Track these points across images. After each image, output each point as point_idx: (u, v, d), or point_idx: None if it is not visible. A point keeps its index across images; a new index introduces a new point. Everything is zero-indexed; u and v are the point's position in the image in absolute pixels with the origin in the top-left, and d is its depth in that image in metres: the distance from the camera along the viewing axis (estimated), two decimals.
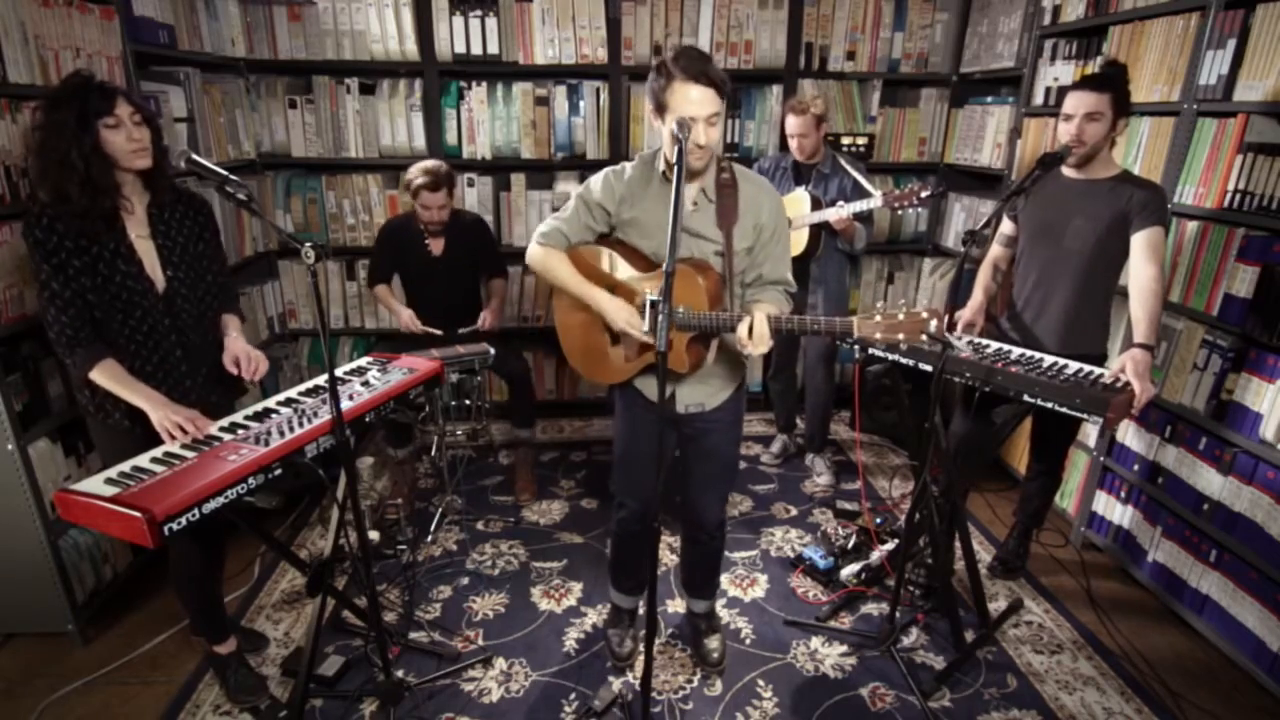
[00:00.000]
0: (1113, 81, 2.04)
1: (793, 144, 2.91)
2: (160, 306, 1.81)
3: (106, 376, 1.71)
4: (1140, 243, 2.03)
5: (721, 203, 1.77)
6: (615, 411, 2.06)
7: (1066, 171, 2.19)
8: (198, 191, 1.98)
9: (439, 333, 2.95)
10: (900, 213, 3.73)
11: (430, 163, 2.85)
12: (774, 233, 1.82)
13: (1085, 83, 2.06)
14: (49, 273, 1.67)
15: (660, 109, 1.65)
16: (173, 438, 1.64)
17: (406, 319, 2.95)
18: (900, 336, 1.59)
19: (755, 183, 1.83)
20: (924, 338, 1.59)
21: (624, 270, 1.85)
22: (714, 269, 1.78)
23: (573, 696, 2.06)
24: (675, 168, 1.48)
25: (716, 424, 1.94)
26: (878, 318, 1.61)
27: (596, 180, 1.85)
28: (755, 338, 1.63)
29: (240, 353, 1.86)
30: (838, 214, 2.75)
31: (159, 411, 1.67)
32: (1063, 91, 2.23)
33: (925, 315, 1.58)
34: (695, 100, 1.60)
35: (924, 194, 2.64)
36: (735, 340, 1.67)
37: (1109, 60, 2.41)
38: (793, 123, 2.85)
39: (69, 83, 1.66)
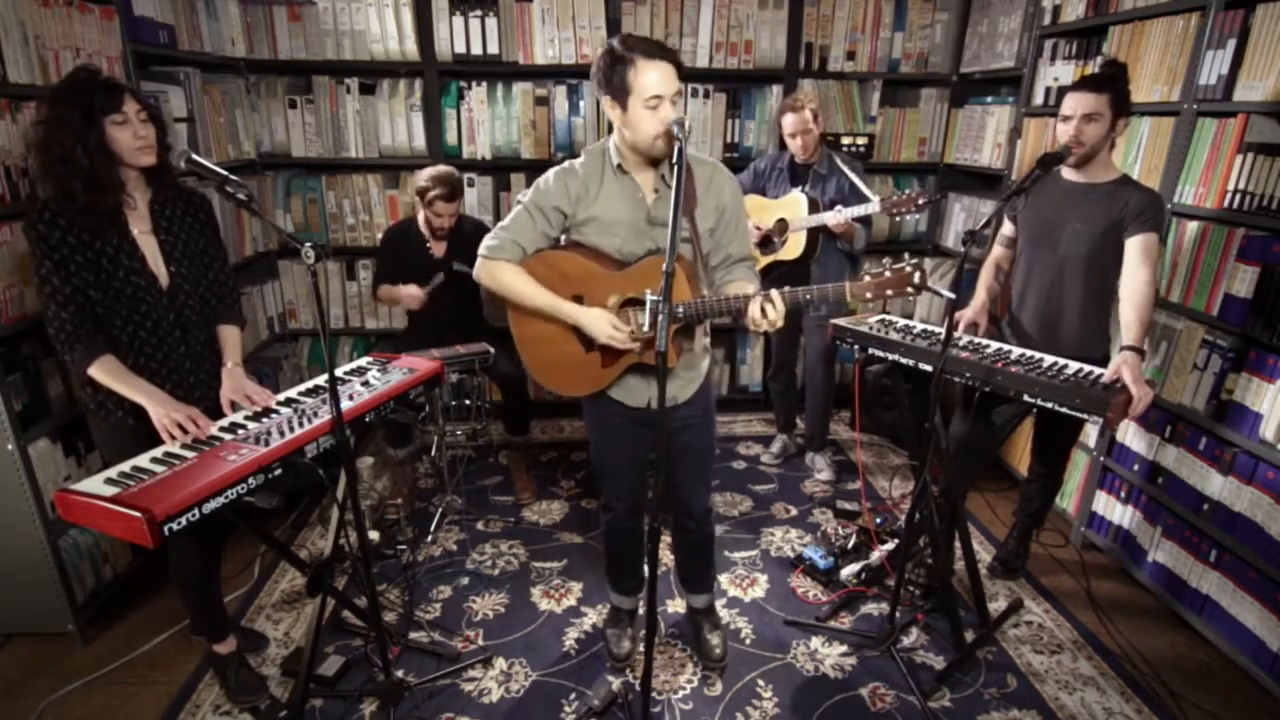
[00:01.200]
0: (1111, 82, 2.03)
1: (795, 143, 2.87)
2: (164, 303, 1.80)
3: (105, 373, 1.70)
4: (1134, 247, 2.02)
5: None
6: (586, 420, 2.04)
7: (1066, 173, 2.19)
8: (197, 189, 1.98)
9: (440, 278, 2.89)
10: (899, 219, 3.72)
11: (442, 170, 2.80)
12: (734, 211, 1.83)
13: (1084, 83, 2.05)
14: (50, 268, 1.66)
15: (622, 94, 1.60)
16: (173, 437, 1.64)
17: (408, 294, 2.87)
18: (889, 293, 1.63)
19: (707, 164, 1.81)
20: (910, 290, 1.62)
21: (587, 275, 1.78)
22: (685, 256, 1.76)
23: (572, 696, 2.06)
24: (675, 169, 1.48)
25: (691, 418, 1.93)
26: (866, 278, 1.65)
27: (548, 182, 1.78)
28: (775, 315, 1.61)
29: (236, 397, 1.83)
30: (836, 217, 2.72)
31: (159, 408, 1.67)
32: (1063, 91, 2.23)
33: (909, 269, 1.61)
34: (661, 79, 1.58)
35: (921, 200, 2.61)
36: (748, 322, 1.65)
37: (1108, 60, 2.41)
38: (791, 120, 2.82)
39: (74, 78, 1.65)
